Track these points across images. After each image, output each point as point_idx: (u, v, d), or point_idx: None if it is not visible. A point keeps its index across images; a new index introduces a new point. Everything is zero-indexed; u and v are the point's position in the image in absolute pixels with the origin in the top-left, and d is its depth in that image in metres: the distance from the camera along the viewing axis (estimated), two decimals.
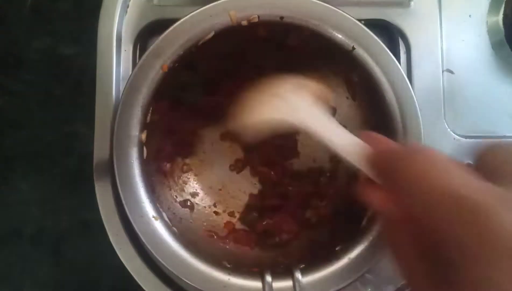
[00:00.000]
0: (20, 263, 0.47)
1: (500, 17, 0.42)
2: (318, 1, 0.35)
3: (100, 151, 0.38)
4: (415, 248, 0.23)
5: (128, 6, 0.41)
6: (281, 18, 0.35)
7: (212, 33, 0.34)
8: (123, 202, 0.35)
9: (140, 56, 0.42)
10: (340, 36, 0.35)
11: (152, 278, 0.39)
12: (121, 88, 0.40)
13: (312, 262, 0.36)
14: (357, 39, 0.35)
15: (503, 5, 0.42)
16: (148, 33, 0.42)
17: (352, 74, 0.39)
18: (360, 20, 0.35)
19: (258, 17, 0.35)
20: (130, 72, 0.41)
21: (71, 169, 0.47)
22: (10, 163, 0.48)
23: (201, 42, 0.35)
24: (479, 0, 0.43)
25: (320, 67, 0.41)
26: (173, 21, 0.40)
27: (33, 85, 0.48)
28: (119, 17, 0.40)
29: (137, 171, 0.35)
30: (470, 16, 0.43)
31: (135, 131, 0.35)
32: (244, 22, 0.35)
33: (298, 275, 0.35)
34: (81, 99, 0.48)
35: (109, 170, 0.38)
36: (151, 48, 0.34)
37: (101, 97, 0.39)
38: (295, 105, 0.32)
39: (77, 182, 0.47)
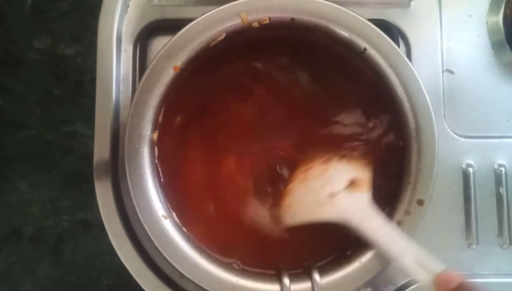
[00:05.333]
0: (20, 263, 0.47)
1: (500, 17, 0.42)
2: (328, 2, 0.35)
3: (100, 151, 0.38)
4: None
5: (128, 6, 0.41)
6: (292, 19, 0.35)
7: (224, 35, 0.35)
8: (133, 200, 0.35)
9: (140, 56, 0.42)
10: (351, 36, 0.35)
11: (152, 278, 0.39)
12: (121, 88, 0.40)
13: (325, 264, 0.37)
14: (368, 40, 0.35)
15: (503, 5, 0.42)
16: (148, 33, 0.42)
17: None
18: None
19: (269, 19, 0.35)
20: (130, 72, 0.41)
21: (71, 169, 0.47)
22: (10, 163, 0.48)
23: (212, 44, 0.35)
24: (479, 0, 0.43)
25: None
26: (173, 21, 0.40)
27: (33, 85, 0.48)
28: (119, 17, 0.40)
29: (148, 170, 0.35)
30: (470, 16, 0.43)
31: (146, 131, 0.35)
32: (255, 24, 0.35)
33: (317, 276, 0.35)
34: (81, 99, 0.47)
35: (109, 169, 0.38)
36: (163, 49, 0.34)
37: (101, 97, 0.39)
38: (351, 208, 0.35)
39: (77, 182, 0.47)
